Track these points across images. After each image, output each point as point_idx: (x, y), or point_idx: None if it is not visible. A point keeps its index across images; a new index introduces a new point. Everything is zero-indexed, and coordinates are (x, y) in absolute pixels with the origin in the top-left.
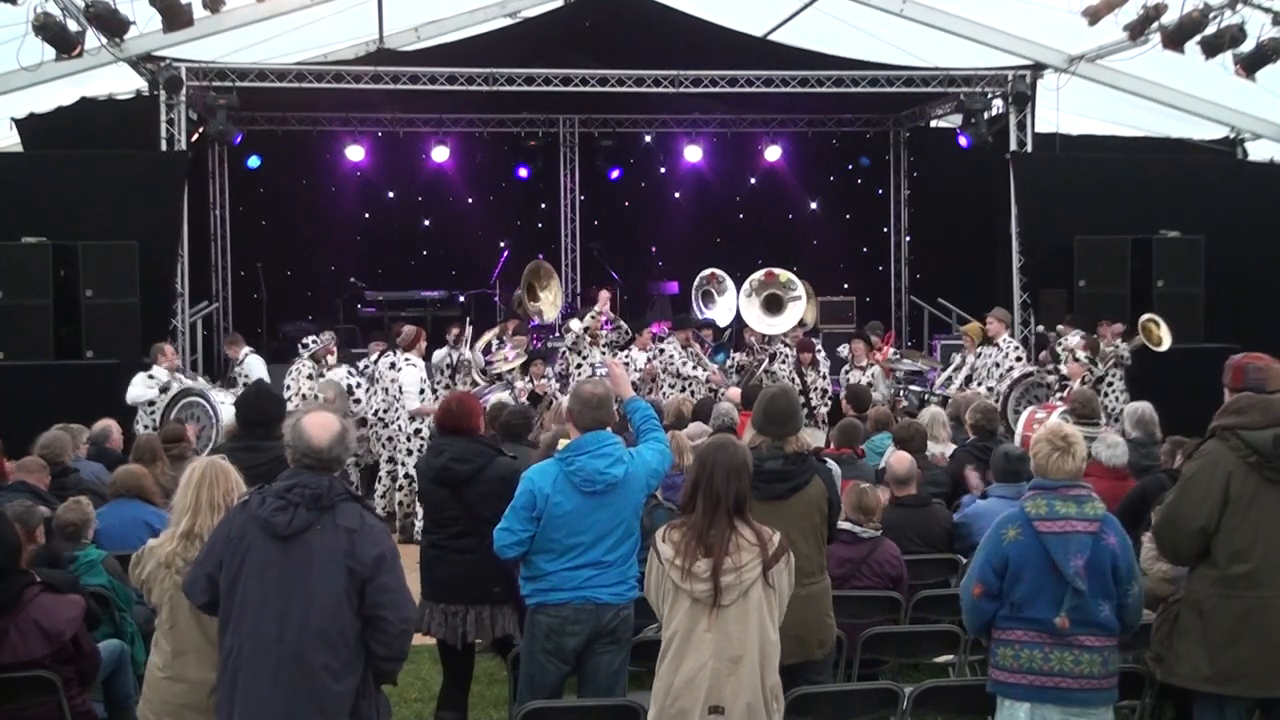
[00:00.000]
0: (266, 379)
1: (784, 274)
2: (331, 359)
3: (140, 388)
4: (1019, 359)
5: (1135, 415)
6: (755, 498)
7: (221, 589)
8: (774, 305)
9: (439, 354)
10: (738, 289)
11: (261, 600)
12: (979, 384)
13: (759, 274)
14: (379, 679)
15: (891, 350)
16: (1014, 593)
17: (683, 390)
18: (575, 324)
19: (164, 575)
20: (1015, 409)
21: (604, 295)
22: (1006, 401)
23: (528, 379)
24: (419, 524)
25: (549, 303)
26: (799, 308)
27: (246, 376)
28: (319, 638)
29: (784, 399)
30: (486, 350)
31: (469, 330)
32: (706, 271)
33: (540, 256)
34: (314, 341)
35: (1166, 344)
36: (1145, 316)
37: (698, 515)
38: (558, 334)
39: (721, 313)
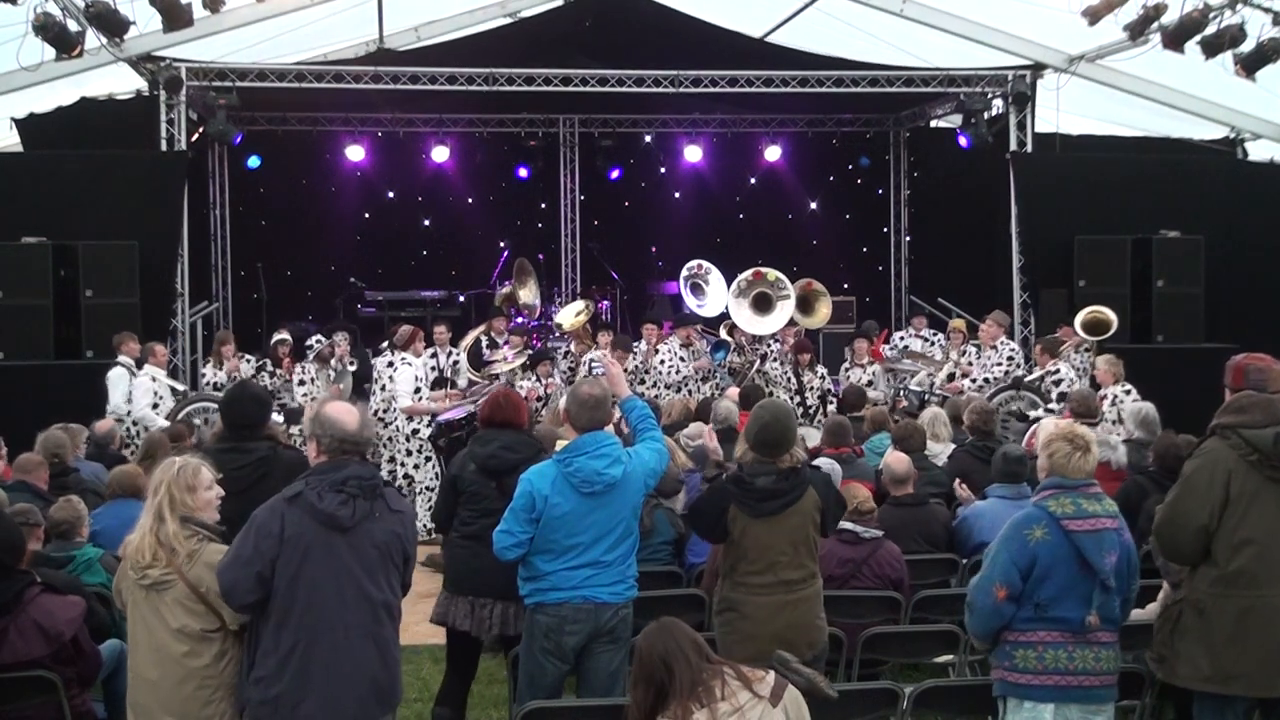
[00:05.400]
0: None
1: (772, 272)
2: (346, 357)
3: (146, 409)
4: (1010, 359)
5: (1139, 415)
6: (746, 515)
7: (278, 586)
8: (763, 304)
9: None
10: (728, 282)
11: (333, 589)
12: (972, 382)
13: (747, 273)
14: None
15: (885, 347)
16: (1039, 593)
17: (678, 391)
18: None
19: (125, 574)
20: (1003, 421)
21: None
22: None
23: (535, 379)
24: (418, 524)
25: (530, 295)
26: (788, 306)
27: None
28: (386, 613)
29: (778, 427)
30: (477, 350)
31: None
32: (692, 264)
33: (541, 258)
34: (318, 342)
35: (1114, 325)
36: (1085, 312)
37: (682, 686)
38: (557, 334)
39: (713, 302)
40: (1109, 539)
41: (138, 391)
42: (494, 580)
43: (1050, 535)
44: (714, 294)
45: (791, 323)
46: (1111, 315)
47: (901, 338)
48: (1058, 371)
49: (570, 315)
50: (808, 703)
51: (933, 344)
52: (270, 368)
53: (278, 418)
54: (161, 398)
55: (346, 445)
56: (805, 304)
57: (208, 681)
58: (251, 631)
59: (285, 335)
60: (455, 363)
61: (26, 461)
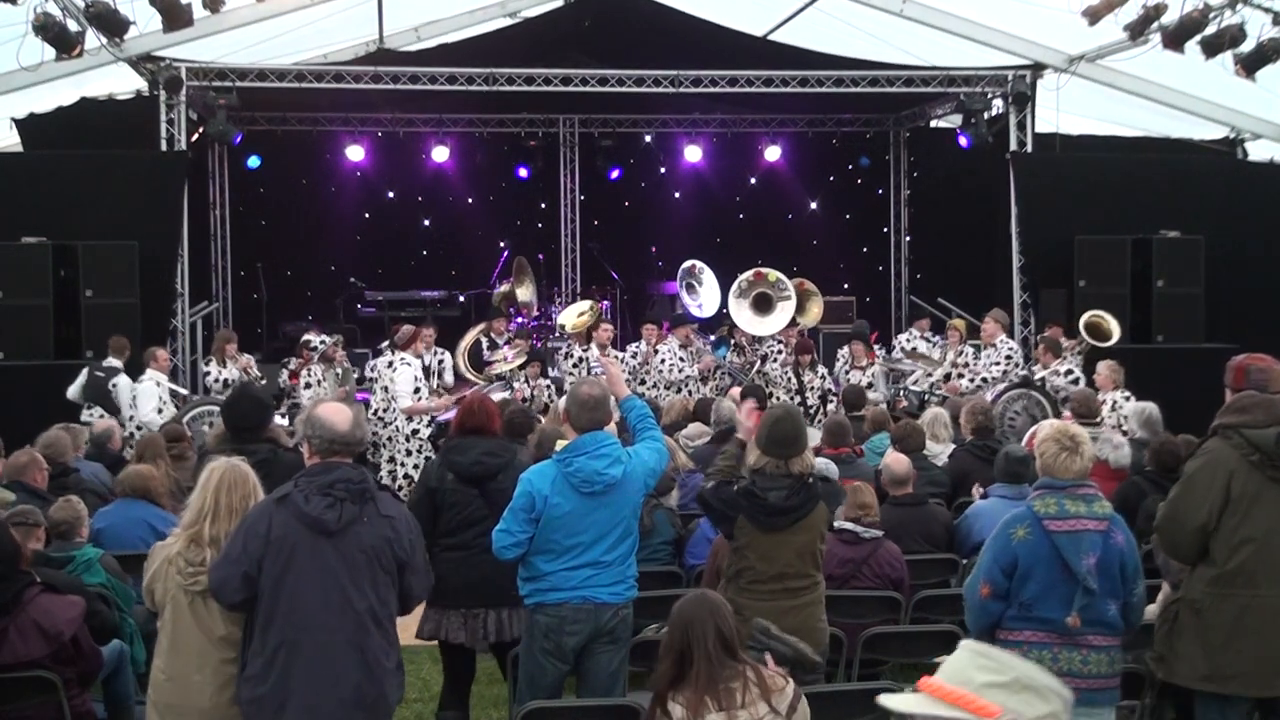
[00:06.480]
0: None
1: (772, 273)
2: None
3: (151, 413)
4: (1009, 358)
5: (1142, 415)
6: (756, 530)
7: (263, 587)
8: (763, 305)
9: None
10: (724, 285)
11: (317, 594)
12: (971, 382)
13: (748, 274)
14: None
15: (878, 348)
16: (1023, 592)
17: (678, 392)
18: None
19: (167, 573)
20: (1010, 420)
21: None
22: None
23: (524, 379)
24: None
25: (527, 293)
26: (789, 307)
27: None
28: (372, 621)
29: (789, 423)
30: (477, 350)
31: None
32: (686, 264)
33: (541, 258)
34: (321, 342)
35: (1116, 336)
36: (1089, 314)
37: (699, 673)
38: (557, 334)
39: (708, 300)
40: (1088, 540)
41: (143, 397)
42: (485, 589)
43: (1031, 535)
44: (708, 292)
45: (793, 323)
46: (1115, 326)
47: (907, 339)
48: (1070, 371)
49: (573, 316)
50: (796, 674)
51: (934, 345)
52: (293, 366)
53: (282, 419)
54: (165, 402)
55: (337, 446)
56: (797, 303)
57: None
58: (246, 630)
59: (309, 337)
60: (441, 362)
61: (16, 461)
